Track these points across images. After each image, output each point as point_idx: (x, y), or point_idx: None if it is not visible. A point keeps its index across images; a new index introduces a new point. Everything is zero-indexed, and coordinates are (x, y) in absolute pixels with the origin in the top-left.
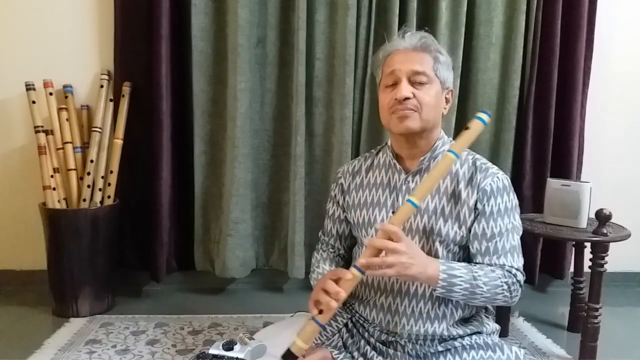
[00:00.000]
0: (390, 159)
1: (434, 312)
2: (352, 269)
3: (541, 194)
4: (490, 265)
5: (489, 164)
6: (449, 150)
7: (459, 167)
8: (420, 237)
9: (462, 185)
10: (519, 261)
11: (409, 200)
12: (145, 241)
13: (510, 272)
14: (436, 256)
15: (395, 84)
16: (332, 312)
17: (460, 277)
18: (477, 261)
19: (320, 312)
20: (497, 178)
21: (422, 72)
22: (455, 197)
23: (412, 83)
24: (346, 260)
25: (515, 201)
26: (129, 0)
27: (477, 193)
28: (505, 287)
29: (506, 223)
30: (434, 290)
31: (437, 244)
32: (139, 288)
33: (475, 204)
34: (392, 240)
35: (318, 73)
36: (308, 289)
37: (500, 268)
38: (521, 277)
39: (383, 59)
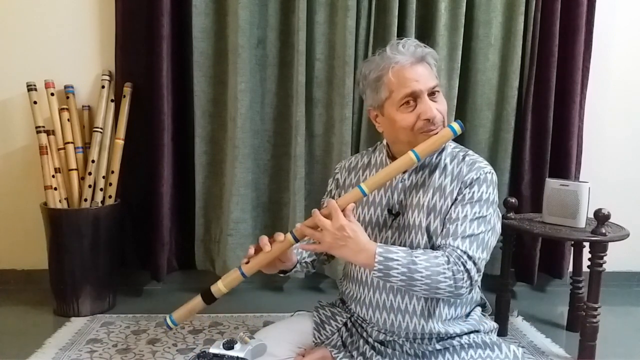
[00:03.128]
0: (385, 158)
1: (428, 309)
2: (288, 234)
3: (540, 194)
4: (445, 246)
5: (479, 159)
6: (412, 150)
7: (449, 162)
8: (408, 231)
9: (448, 180)
10: (476, 252)
11: (359, 187)
12: (146, 241)
13: (459, 259)
14: (420, 248)
15: (412, 102)
16: (256, 265)
17: (397, 260)
18: (437, 243)
19: (248, 262)
20: (481, 171)
21: (436, 84)
22: (441, 190)
23: (429, 96)
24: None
25: (494, 197)
26: (130, 1)
27: (459, 185)
28: (449, 274)
29: (475, 211)
30: (372, 274)
31: (425, 237)
32: (140, 287)
33: (457, 196)
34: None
35: (318, 74)
36: (308, 289)
37: (449, 254)
38: (472, 268)
39: (392, 78)
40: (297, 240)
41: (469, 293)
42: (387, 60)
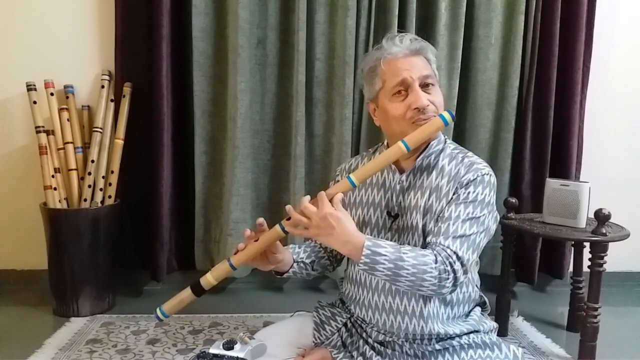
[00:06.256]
0: None
1: (427, 310)
2: (276, 225)
3: (540, 194)
4: (435, 244)
5: (478, 160)
6: (401, 140)
7: (446, 164)
8: (407, 233)
9: (445, 180)
10: (465, 252)
11: (348, 177)
12: (146, 241)
13: (448, 259)
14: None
15: (403, 92)
16: (245, 256)
17: (384, 255)
18: (427, 240)
19: (236, 253)
20: (479, 173)
21: (430, 75)
22: (437, 191)
23: (422, 87)
24: (330, 253)
25: (490, 199)
26: (130, 1)
27: (455, 186)
28: (435, 273)
29: (468, 212)
30: (357, 266)
31: (421, 239)
32: (140, 288)
33: (452, 196)
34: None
35: (318, 74)
36: (308, 289)
37: (437, 253)
38: (459, 269)
39: (384, 67)
40: (285, 232)
41: (452, 292)
42: (381, 51)
